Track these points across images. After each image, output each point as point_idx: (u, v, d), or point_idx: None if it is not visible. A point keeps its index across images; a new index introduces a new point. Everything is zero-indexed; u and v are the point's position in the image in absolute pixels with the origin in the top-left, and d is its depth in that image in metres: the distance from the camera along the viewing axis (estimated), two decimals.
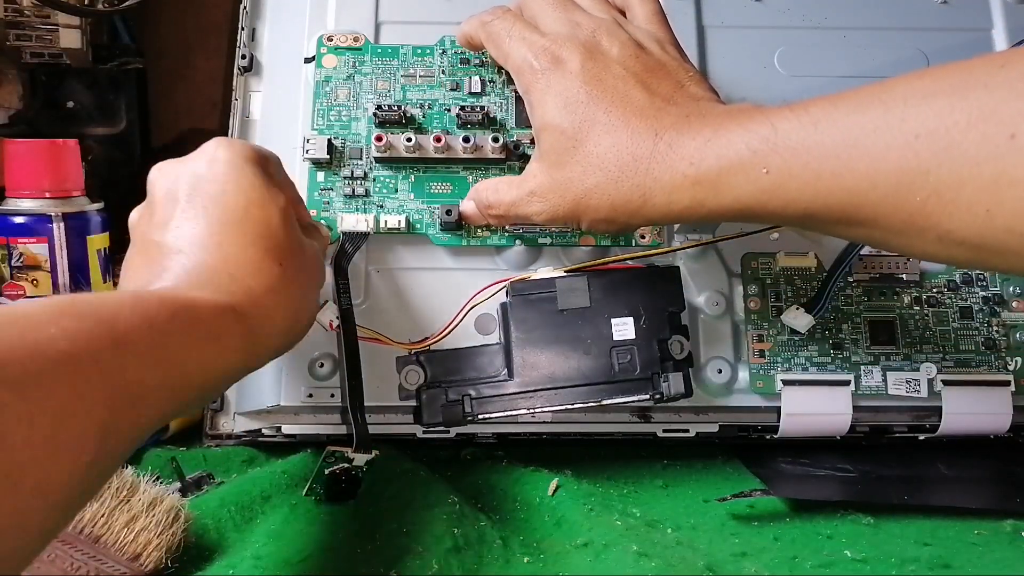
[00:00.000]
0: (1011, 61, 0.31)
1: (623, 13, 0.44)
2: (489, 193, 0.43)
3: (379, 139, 0.47)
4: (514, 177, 0.42)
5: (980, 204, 0.30)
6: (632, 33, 0.41)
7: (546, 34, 0.41)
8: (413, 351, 0.44)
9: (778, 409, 0.47)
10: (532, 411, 0.43)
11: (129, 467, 0.39)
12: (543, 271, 0.45)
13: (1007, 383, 0.47)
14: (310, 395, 0.47)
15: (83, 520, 0.35)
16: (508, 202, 0.42)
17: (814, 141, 0.33)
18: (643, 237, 0.48)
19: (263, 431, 0.49)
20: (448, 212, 0.46)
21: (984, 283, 0.49)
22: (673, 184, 0.36)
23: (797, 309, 0.47)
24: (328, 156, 0.47)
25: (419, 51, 0.50)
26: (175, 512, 0.36)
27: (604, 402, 0.42)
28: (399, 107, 0.48)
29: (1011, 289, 0.49)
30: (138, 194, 0.39)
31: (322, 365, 0.47)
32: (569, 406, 0.42)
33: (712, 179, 0.35)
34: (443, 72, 0.49)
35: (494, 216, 0.44)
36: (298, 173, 0.49)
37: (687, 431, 0.48)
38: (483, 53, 0.48)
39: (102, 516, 0.35)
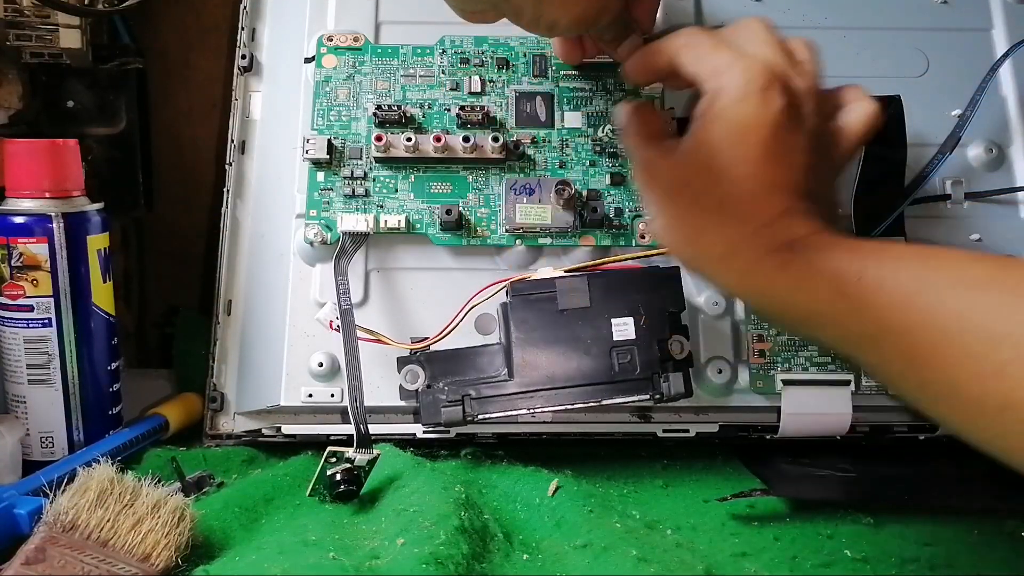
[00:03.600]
0: None
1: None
2: (630, 121, 0.41)
3: (379, 139, 0.47)
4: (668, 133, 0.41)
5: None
6: (820, 119, 0.39)
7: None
8: (413, 351, 0.44)
9: (778, 409, 0.47)
10: (532, 411, 0.43)
11: (129, 471, 0.39)
12: (543, 271, 0.45)
13: None
14: (310, 395, 0.47)
15: (89, 527, 0.35)
16: (634, 153, 0.41)
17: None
18: (643, 237, 0.48)
19: (263, 431, 0.49)
20: (448, 212, 0.46)
21: None
22: (765, 254, 0.35)
23: None
24: (328, 156, 0.47)
25: (419, 51, 0.50)
26: (180, 512, 0.36)
27: (604, 402, 0.42)
28: (399, 107, 0.48)
29: None
30: (138, 194, 0.38)
31: (322, 365, 0.47)
32: (569, 406, 0.42)
33: (803, 266, 0.35)
34: (443, 72, 0.49)
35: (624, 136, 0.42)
36: (298, 173, 0.49)
37: (687, 431, 0.48)
38: (482, 55, 0.47)
39: (107, 521, 0.35)
